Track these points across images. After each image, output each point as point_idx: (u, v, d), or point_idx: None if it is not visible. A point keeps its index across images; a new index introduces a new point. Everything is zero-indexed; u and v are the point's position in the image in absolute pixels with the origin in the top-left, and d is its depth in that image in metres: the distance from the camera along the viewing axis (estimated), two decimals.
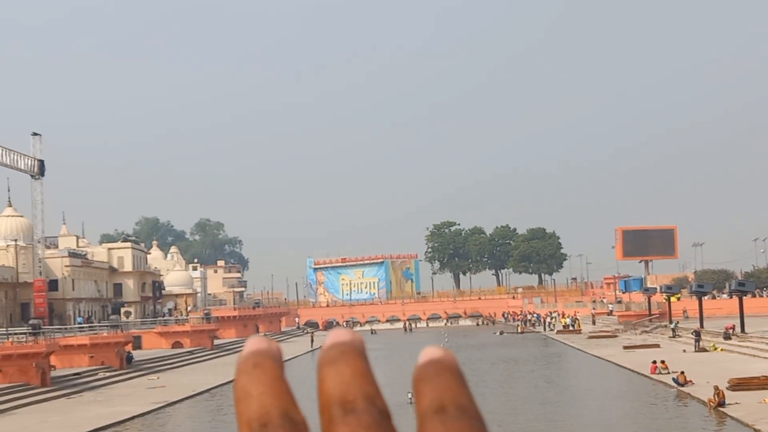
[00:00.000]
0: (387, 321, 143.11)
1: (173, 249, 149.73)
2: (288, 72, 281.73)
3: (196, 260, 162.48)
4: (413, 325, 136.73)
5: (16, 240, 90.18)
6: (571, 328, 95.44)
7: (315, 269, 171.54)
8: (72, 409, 43.28)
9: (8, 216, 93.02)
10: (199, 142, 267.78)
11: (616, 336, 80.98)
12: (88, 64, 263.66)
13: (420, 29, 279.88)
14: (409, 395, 31.38)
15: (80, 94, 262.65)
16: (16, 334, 54.89)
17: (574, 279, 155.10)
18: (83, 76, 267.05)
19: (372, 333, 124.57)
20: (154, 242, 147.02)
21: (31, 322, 62.99)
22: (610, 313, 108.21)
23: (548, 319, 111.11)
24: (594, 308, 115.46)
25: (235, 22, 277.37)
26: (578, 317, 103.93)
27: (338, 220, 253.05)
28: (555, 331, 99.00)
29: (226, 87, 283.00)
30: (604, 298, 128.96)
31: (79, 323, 74.25)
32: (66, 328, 69.89)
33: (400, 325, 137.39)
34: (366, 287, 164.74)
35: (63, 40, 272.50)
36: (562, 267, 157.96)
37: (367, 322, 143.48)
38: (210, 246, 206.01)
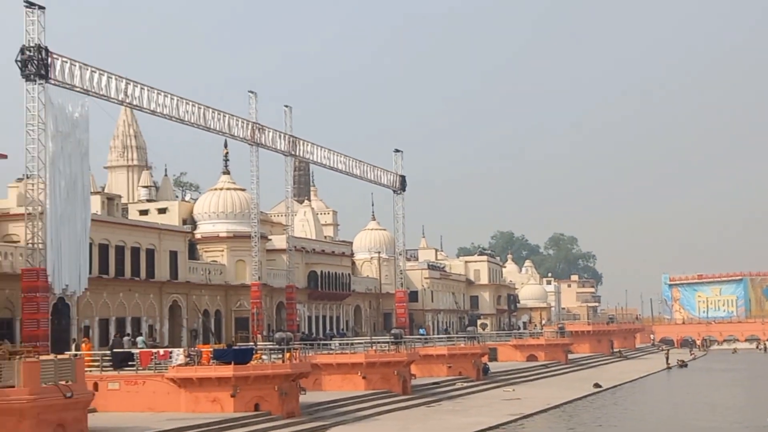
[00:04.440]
0: (746, 340, 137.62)
1: (527, 263, 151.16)
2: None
3: (549, 274, 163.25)
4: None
5: (379, 252, 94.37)
6: None
7: (670, 285, 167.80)
8: (431, 417, 44.70)
9: (372, 229, 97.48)
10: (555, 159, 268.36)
11: None
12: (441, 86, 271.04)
13: None
14: None
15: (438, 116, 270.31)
16: (379, 342, 57.20)
17: None
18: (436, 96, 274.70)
19: (733, 352, 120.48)
20: (509, 256, 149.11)
21: (393, 331, 65.54)
22: None
23: None
24: None
25: None
26: None
27: (692, 235, 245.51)
28: None
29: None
30: None
31: (421, 334, 76.29)
32: (425, 338, 72.16)
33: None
34: (723, 305, 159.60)
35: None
36: None
37: (724, 340, 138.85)
38: (564, 260, 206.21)
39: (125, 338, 50.57)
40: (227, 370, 38.29)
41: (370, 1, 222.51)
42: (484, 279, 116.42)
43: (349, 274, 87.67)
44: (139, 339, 52.30)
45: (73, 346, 42.85)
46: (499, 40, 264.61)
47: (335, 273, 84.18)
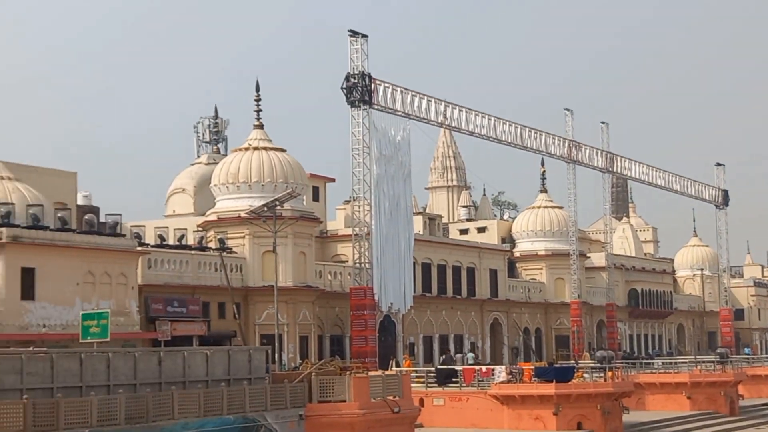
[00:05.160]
0: None
1: None
2: None
3: None
4: None
5: (702, 269, 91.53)
6: None
7: None
8: None
9: (694, 246, 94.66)
10: None
11: None
12: None
13: None
14: None
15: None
16: (704, 362, 55.64)
17: None
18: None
19: None
20: None
21: (718, 350, 63.52)
22: None
23: None
24: None
25: None
26: None
27: None
28: None
29: None
30: None
31: (746, 353, 73.06)
32: (754, 358, 69.37)
33: None
34: None
35: None
36: None
37: None
38: None
39: (458, 355, 52.07)
40: (549, 388, 38.39)
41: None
42: None
43: (670, 292, 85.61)
44: (470, 356, 53.76)
45: (393, 363, 44.17)
46: None
47: (656, 291, 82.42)
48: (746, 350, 78.07)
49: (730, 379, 50.47)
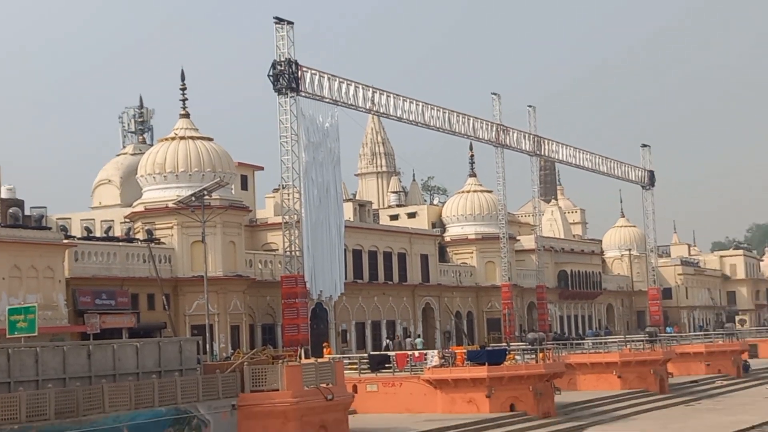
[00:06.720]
0: None
1: None
2: None
3: None
4: None
5: (630, 249, 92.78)
6: None
7: None
8: (691, 416, 43.56)
9: (622, 227, 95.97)
10: None
11: None
12: None
13: None
14: None
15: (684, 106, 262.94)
16: (633, 341, 56.32)
17: None
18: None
19: None
20: (766, 249, 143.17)
21: (647, 329, 64.35)
22: None
23: None
24: None
25: None
26: None
27: None
28: None
29: None
30: None
31: (668, 332, 73.97)
32: (682, 336, 70.45)
33: None
34: None
35: None
36: None
37: None
38: None
39: (407, 339, 52.34)
40: (482, 371, 38.59)
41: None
42: (740, 274, 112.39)
43: (599, 273, 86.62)
44: (418, 341, 54.18)
45: (302, 352, 43.05)
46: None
47: (585, 272, 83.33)
48: (668, 329, 79.09)
49: (660, 358, 51.06)
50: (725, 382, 57.69)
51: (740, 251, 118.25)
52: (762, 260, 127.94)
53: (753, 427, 39.61)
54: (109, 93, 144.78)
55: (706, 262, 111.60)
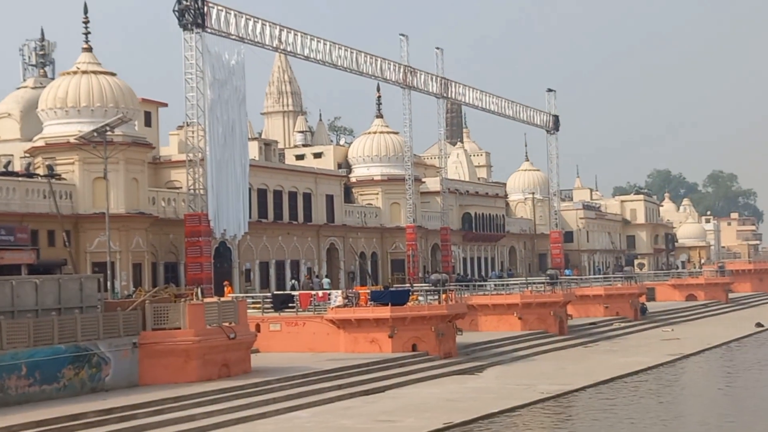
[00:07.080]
0: None
1: (685, 201, 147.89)
2: None
3: (708, 213, 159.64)
4: None
5: (533, 193, 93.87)
6: None
7: None
8: (589, 357, 44.57)
9: (526, 170, 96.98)
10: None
11: None
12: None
13: None
14: None
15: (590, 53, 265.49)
16: (534, 283, 57.18)
17: None
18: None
19: None
20: (666, 195, 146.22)
21: (548, 272, 65.37)
22: None
23: None
24: None
25: None
26: None
27: None
28: None
29: None
30: None
31: (567, 275, 75.00)
32: (581, 279, 71.71)
33: None
34: None
35: None
36: None
37: None
38: (723, 198, 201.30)
39: (316, 279, 52.40)
40: (385, 312, 38.87)
41: None
42: (640, 218, 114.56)
43: (503, 216, 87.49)
44: (326, 281, 54.30)
45: (198, 291, 41.84)
46: None
47: (489, 214, 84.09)
48: (567, 272, 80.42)
49: (560, 300, 51.99)
50: (623, 325, 59.07)
51: (641, 196, 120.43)
52: (662, 205, 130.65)
53: (649, 369, 40.71)
54: (10, 25, 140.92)
55: (607, 206, 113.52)
